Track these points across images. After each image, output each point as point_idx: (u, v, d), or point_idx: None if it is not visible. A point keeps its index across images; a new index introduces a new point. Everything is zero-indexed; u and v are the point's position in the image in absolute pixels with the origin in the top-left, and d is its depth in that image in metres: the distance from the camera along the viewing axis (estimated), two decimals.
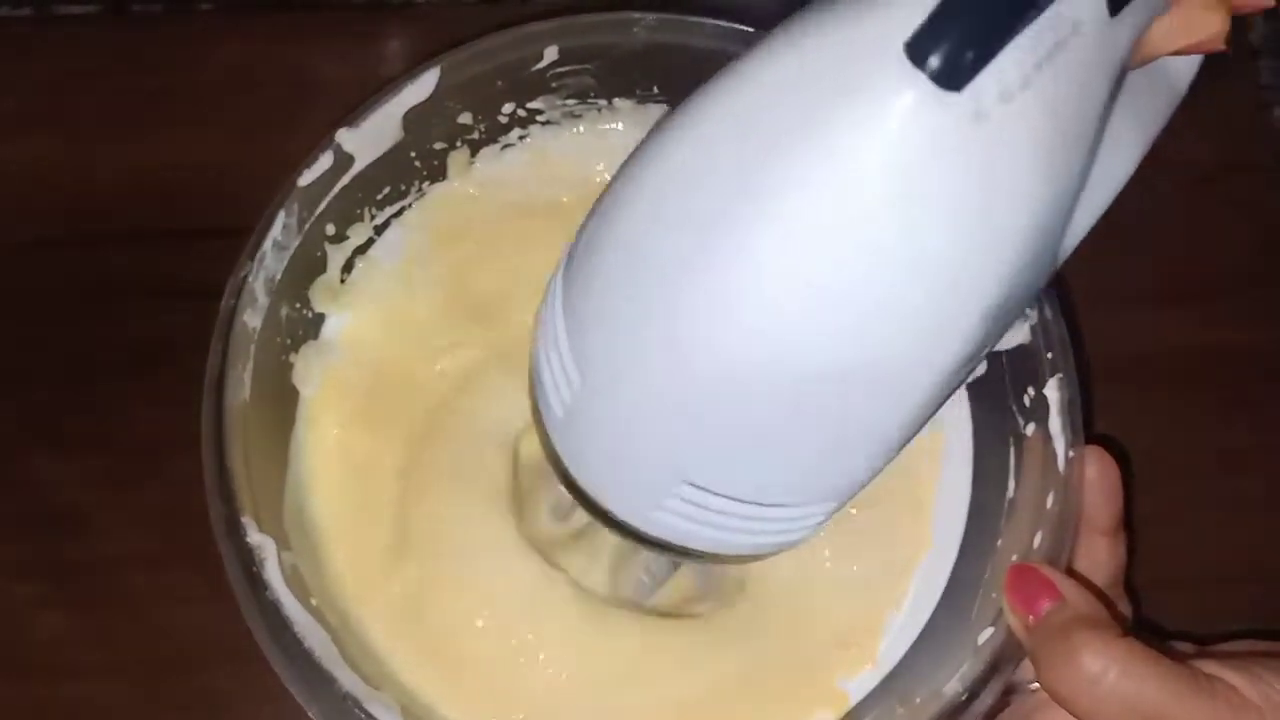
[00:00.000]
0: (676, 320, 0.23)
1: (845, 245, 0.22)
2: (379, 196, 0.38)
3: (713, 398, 0.23)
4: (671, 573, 0.37)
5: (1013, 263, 0.23)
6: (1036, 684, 0.35)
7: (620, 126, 0.40)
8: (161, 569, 0.39)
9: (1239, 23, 0.49)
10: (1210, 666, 0.30)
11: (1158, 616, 0.40)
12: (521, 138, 0.40)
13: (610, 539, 0.31)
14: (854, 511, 0.37)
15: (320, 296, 0.38)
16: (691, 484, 0.25)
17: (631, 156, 0.25)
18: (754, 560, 0.30)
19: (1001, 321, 0.25)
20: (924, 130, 0.21)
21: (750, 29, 0.37)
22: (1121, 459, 0.35)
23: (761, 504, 0.26)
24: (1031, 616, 0.32)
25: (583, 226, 0.26)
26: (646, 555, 0.36)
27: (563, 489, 0.28)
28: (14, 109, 0.46)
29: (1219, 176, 0.48)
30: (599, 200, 0.25)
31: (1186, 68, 0.30)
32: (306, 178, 0.35)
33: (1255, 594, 0.39)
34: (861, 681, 0.37)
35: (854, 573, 0.37)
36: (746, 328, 0.22)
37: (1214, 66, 0.48)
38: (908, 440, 0.26)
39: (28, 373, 0.43)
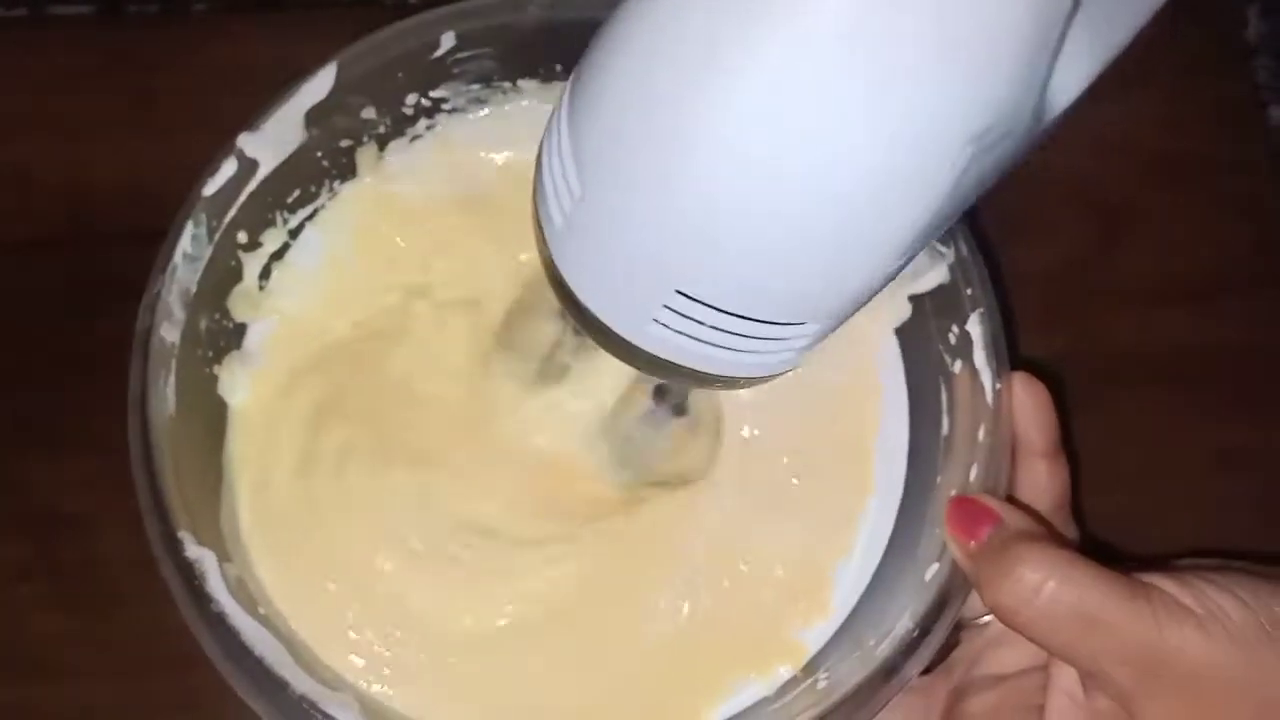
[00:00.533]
0: (674, 133, 0.24)
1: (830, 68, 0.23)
2: (290, 200, 0.38)
3: (702, 206, 0.24)
4: (665, 425, 0.38)
5: (997, 78, 0.23)
6: (986, 618, 0.35)
7: (526, 104, 0.40)
8: (153, 570, 0.39)
9: (1237, 21, 0.50)
10: (1149, 576, 0.31)
11: None
12: (429, 128, 0.40)
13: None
14: (796, 481, 0.38)
15: (239, 306, 0.37)
16: (681, 293, 0.26)
17: None
18: (743, 386, 0.30)
19: (991, 148, 0.25)
20: None
21: None
22: (1047, 381, 0.35)
23: (748, 318, 0.26)
24: (973, 543, 0.32)
25: (590, 44, 0.26)
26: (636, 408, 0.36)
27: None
28: (8, 109, 0.46)
29: (1216, 175, 0.48)
30: (608, 21, 0.26)
31: None
32: (211, 186, 0.35)
33: None
34: (819, 632, 0.37)
35: (799, 526, 0.38)
36: (738, 145, 0.23)
37: (1211, 65, 0.49)
38: (897, 263, 0.26)
39: (24, 373, 0.43)
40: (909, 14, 0.22)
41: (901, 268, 0.27)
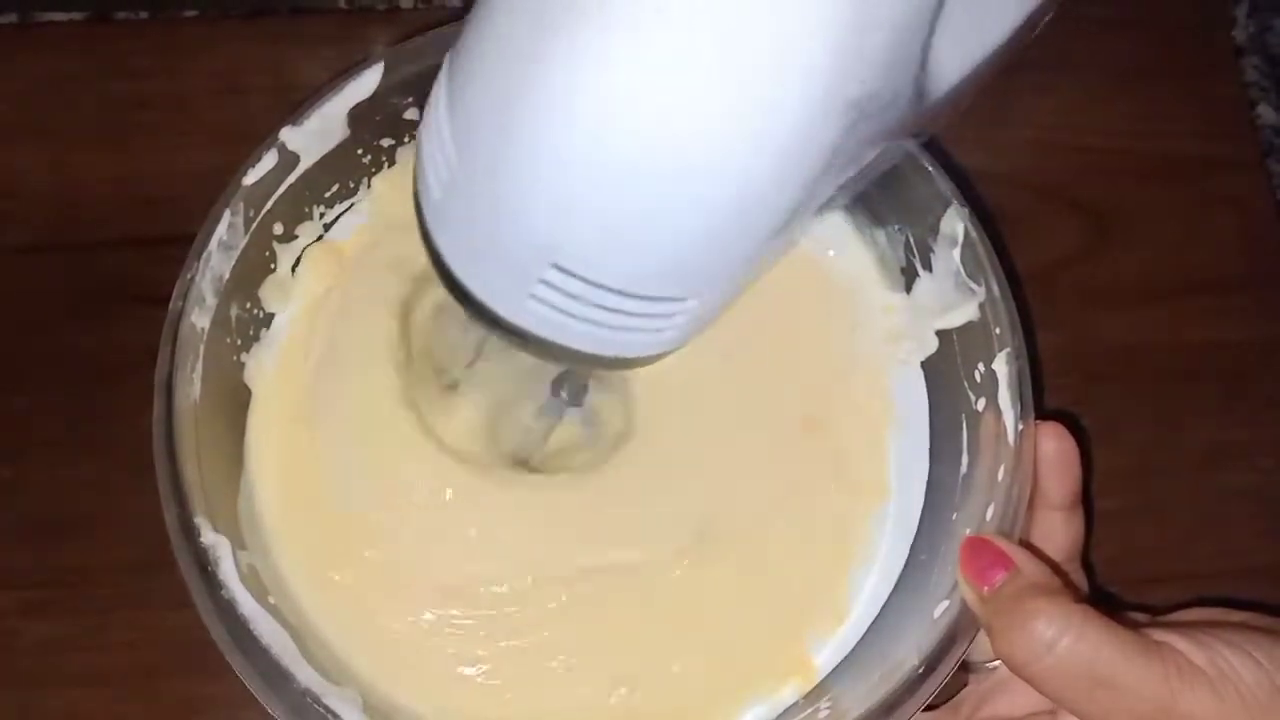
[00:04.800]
0: (545, 99, 0.24)
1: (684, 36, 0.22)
2: (327, 194, 0.38)
3: (570, 175, 0.24)
4: (558, 417, 0.37)
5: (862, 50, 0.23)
6: (994, 663, 0.35)
7: None
8: (150, 575, 0.39)
9: (1225, 20, 0.50)
10: (1160, 634, 0.30)
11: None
12: None
13: (497, 384, 0.34)
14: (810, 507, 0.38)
15: (271, 296, 0.38)
16: (557, 267, 0.25)
17: None
18: (629, 366, 0.30)
19: (850, 128, 0.25)
20: None
21: None
22: (1077, 435, 0.35)
23: (625, 294, 0.26)
24: (986, 587, 0.32)
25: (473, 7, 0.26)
26: (531, 396, 0.36)
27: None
28: None
29: (1205, 174, 0.48)
30: None
31: None
32: (251, 176, 0.35)
33: (1242, 589, 0.39)
34: (826, 658, 0.37)
35: (813, 558, 0.38)
36: (601, 115, 0.23)
37: (1200, 65, 0.49)
38: (777, 232, 0.26)
39: (18, 378, 0.43)
40: None
41: (790, 240, 0.27)
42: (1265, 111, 0.50)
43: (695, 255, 0.26)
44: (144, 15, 0.48)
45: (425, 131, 0.27)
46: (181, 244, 0.35)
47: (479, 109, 0.25)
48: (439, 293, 0.29)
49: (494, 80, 0.25)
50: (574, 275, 0.25)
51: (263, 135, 0.35)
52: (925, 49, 0.25)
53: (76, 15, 0.48)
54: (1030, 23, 0.30)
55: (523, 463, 0.37)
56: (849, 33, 0.23)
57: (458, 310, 0.28)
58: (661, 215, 0.24)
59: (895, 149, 0.28)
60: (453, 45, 0.27)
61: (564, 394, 0.37)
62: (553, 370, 0.36)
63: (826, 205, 0.28)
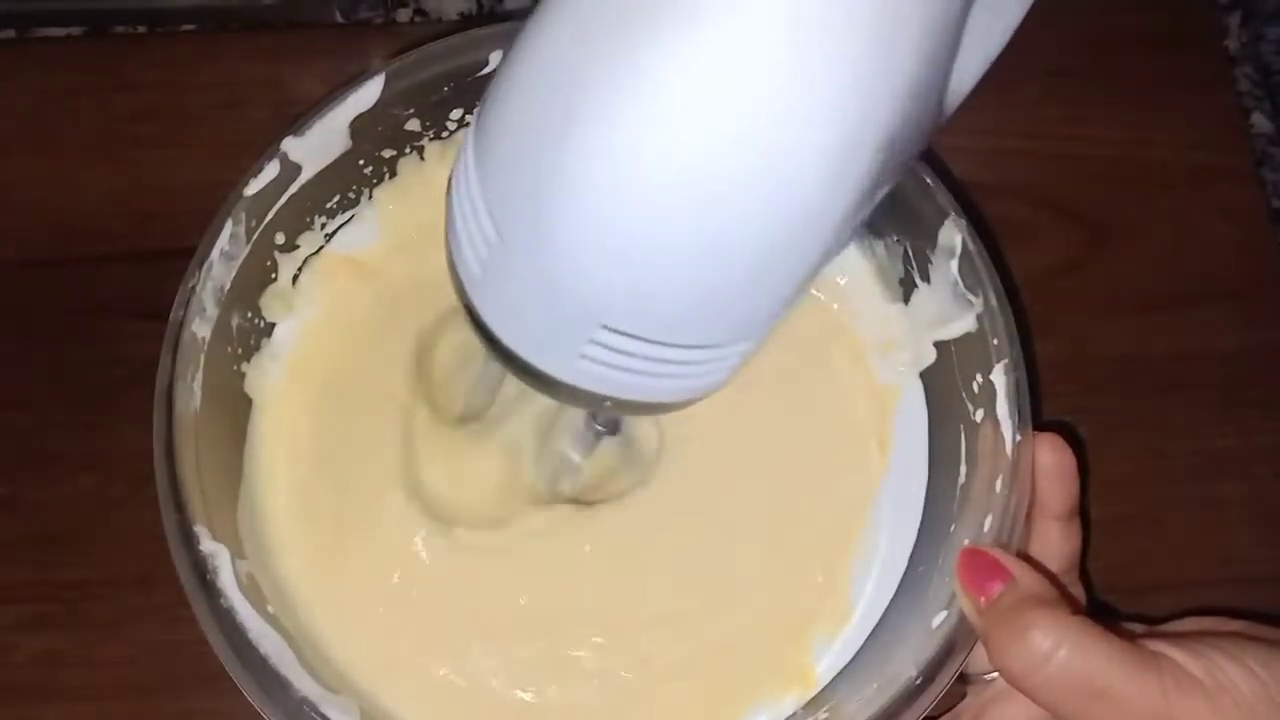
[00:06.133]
0: (584, 165, 0.23)
1: (740, 89, 0.22)
2: (329, 205, 0.39)
3: (620, 241, 0.24)
4: (594, 444, 0.38)
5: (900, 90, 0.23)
6: (992, 674, 0.35)
7: None
8: (147, 591, 0.40)
9: (1218, 30, 0.50)
10: (1157, 645, 0.30)
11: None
12: None
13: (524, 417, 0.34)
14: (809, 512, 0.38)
15: (272, 306, 0.38)
16: (607, 327, 0.25)
17: (534, 12, 0.25)
18: (678, 408, 0.30)
19: (887, 159, 0.25)
20: None
21: None
22: (1074, 445, 0.35)
23: (674, 344, 0.26)
24: (983, 598, 0.32)
25: (491, 84, 0.26)
26: (568, 429, 0.36)
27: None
28: None
29: (1200, 183, 0.49)
30: (506, 55, 0.26)
31: None
32: (253, 186, 0.35)
33: (1238, 597, 0.39)
34: (826, 666, 0.37)
35: (811, 568, 0.38)
36: (646, 180, 0.23)
37: (1194, 74, 0.50)
38: (817, 268, 0.26)
39: (13, 394, 0.43)
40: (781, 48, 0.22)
41: (824, 264, 0.27)
42: (1259, 120, 0.50)
43: (741, 300, 0.26)
44: (142, 30, 0.48)
45: (457, 205, 0.27)
46: (180, 258, 0.35)
47: (514, 179, 0.25)
48: (461, 332, 0.29)
49: (526, 150, 0.24)
50: (624, 334, 0.26)
51: (261, 149, 0.36)
52: (948, 74, 0.25)
53: (75, 30, 0.48)
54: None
55: (558, 494, 0.38)
56: (876, 66, 0.23)
57: (479, 348, 0.28)
58: (704, 266, 0.24)
59: (902, 169, 0.28)
60: (476, 116, 0.26)
61: (599, 425, 0.37)
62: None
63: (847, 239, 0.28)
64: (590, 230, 0.24)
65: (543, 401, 0.35)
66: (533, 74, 0.24)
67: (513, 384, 0.34)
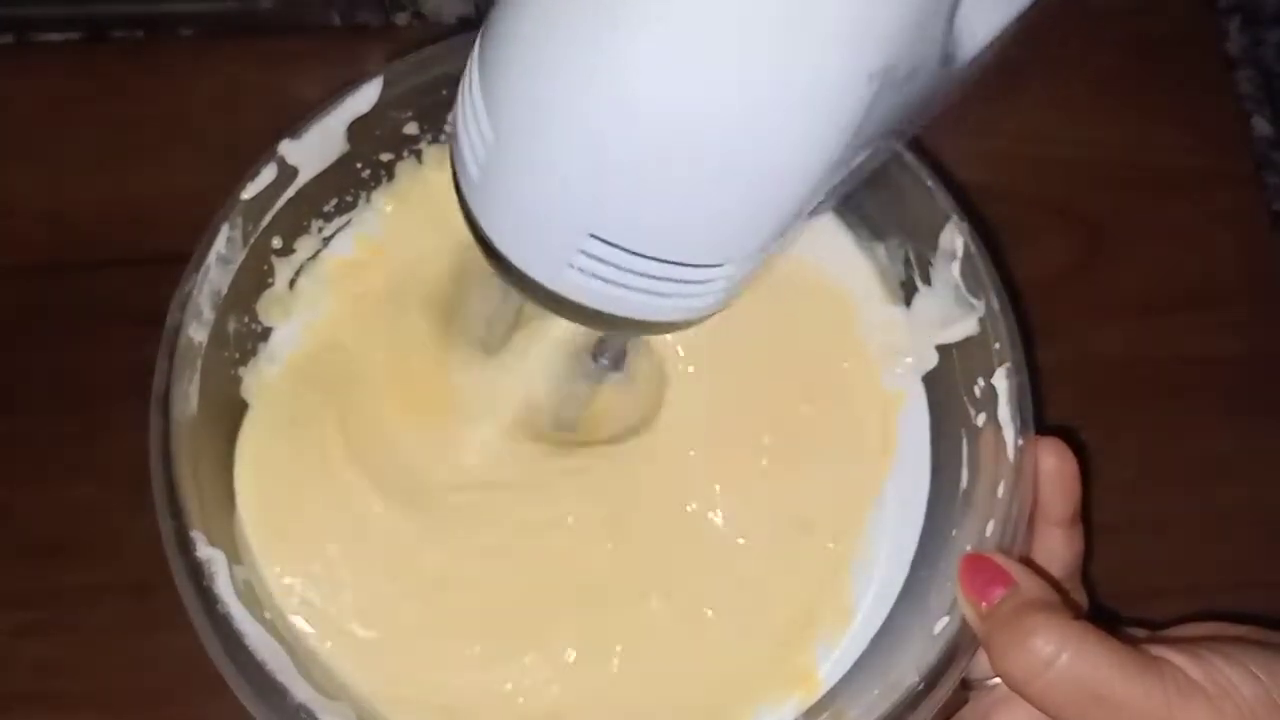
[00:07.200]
0: (577, 73, 0.24)
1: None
2: (326, 209, 0.38)
3: (608, 145, 0.24)
4: (599, 381, 0.38)
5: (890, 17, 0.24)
6: (994, 680, 0.35)
7: None
8: (146, 598, 0.39)
9: (1218, 34, 0.50)
10: (1159, 650, 0.30)
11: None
12: None
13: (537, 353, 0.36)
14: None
15: (269, 310, 0.38)
16: (595, 236, 0.26)
17: None
18: (667, 331, 0.30)
19: (885, 90, 0.25)
20: None
21: None
22: (1076, 449, 0.35)
23: (661, 259, 0.26)
24: (985, 604, 0.32)
25: None
26: (571, 363, 0.37)
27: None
28: None
29: (1201, 187, 0.49)
30: None
31: None
32: (250, 190, 0.35)
33: (1240, 602, 0.39)
34: (828, 672, 0.37)
35: (813, 573, 0.37)
36: (638, 86, 0.24)
37: (1194, 78, 0.50)
38: (809, 197, 0.26)
39: (11, 400, 0.43)
40: None
41: (820, 201, 0.27)
42: (1259, 124, 0.50)
43: (728, 223, 0.26)
44: (140, 35, 0.48)
45: (459, 111, 0.27)
46: (177, 264, 0.35)
47: (512, 83, 0.25)
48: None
49: (527, 54, 0.25)
50: (612, 244, 0.26)
51: (260, 154, 0.35)
52: (952, 13, 0.25)
53: (73, 36, 0.48)
54: None
55: (566, 427, 0.38)
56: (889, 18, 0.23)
57: (496, 282, 0.29)
58: (694, 183, 0.25)
59: (885, 147, 0.28)
60: (484, 25, 0.27)
61: (604, 359, 0.37)
62: (592, 337, 0.36)
63: (835, 192, 0.28)
64: (577, 135, 0.24)
65: (554, 336, 0.37)
66: None
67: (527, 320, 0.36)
